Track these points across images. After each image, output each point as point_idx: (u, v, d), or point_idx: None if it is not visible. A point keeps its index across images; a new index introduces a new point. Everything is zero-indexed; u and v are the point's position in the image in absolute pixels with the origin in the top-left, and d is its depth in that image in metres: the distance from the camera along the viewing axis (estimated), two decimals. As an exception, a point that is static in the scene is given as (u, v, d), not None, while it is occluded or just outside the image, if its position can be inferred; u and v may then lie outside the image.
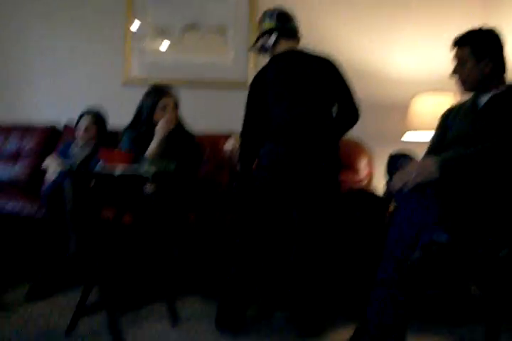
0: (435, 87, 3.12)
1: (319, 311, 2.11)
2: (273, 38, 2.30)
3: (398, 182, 1.72)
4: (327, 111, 2.24)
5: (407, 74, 3.41)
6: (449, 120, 2.12)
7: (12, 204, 2.75)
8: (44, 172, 2.97)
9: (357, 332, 1.78)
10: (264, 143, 2.23)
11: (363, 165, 3.12)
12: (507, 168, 1.73)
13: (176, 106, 2.70)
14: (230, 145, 2.61)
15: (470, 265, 1.80)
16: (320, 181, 2.15)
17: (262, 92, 2.24)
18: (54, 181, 2.69)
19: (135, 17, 3.64)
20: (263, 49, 2.37)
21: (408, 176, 1.69)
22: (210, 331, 2.08)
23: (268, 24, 2.32)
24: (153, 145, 2.57)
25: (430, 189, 1.68)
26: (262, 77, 2.27)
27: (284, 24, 2.31)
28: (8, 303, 2.31)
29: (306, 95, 2.20)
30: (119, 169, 1.95)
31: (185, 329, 2.08)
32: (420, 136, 3.06)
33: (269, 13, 2.34)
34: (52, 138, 3.48)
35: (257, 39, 2.38)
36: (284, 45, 2.31)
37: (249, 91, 2.28)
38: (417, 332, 2.14)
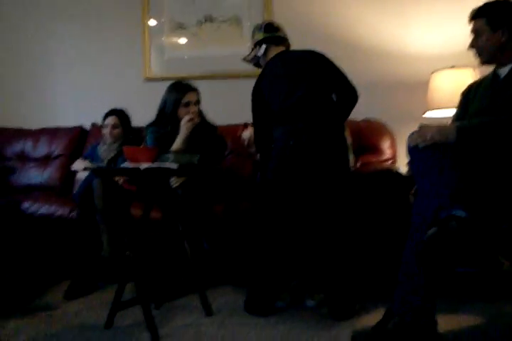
0: (454, 63, 3.06)
1: (349, 294, 2.13)
2: (263, 46, 2.46)
3: (416, 138, 1.75)
4: (327, 95, 2.31)
5: (425, 51, 3.35)
6: (470, 96, 2.10)
7: (45, 207, 2.84)
8: (74, 174, 3.07)
9: (387, 315, 1.79)
10: (275, 129, 2.31)
11: (386, 146, 3.10)
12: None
13: (198, 101, 2.74)
14: (248, 134, 2.64)
15: (496, 240, 1.79)
16: (333, 160, 2.22)
17: (262, 90, 2.36)
18: (84, 181, 2.77)
19: (151, 13, 3.68)
20: (255, 59, 2.52)
21: (426, 133, 1.72)
22: (244, 320, 2.12)
23: (258, 35, 2.48)
24: (178, 142, 2.63)
25: (447, 157, 1.70)
26: (260, 79, 2.39)
27: (272, 33, 2.46)
28: (48, 303, 2.41)
29: (304, 82, 2.28)
30: (144, 165, 1.99)
31: (218, 319, 2.13)
32: (441, 113, 3.01)
33: (258, 26, 2.52)
34: (80, 138, 3.57)
35: (251, 51, 2.53)
36: (274, 52, 2.45)
37: (252, 93, 2.39)
38: (448, 311, 2.14)
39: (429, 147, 1.72)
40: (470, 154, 1.83)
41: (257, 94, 2.38)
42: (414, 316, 1.75)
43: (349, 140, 2.66)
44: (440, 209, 1.66)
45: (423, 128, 1.75)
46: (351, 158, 2.57)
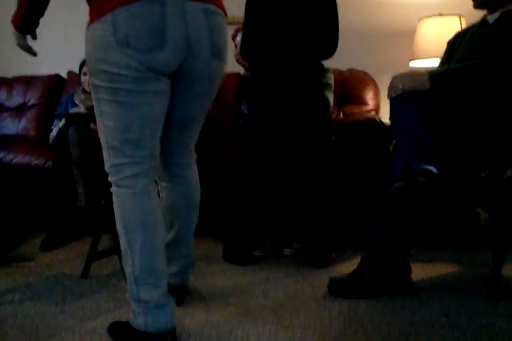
0: (441, 11, 2.95)
1: (326, 243, 2.14)
2: None
3: (389, 88, 1.70)
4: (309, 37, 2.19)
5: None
6: (455, 44, 2.03)
7: (20, 157, 2.78)
8: (50, 124, 2.98)
9: (363, 263, 1.81)
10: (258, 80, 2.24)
11: (369, 96, 3.05)
12: (506, 85, 1.66)
13: None
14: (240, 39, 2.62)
15: (473, 192, 1.78)
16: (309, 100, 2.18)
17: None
18: (59, 130, 2.69)
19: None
20: None
21: (397, 82, 1.67)
22: (222, 269, 2.14)
23: None
24: None
25: (419, 107, 1.65)
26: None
27: None
28: (23, 254, 2.39)
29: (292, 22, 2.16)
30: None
31: (196, 269, 2.13)
32: (426, 63, 2.94)
33: None
34: (56, 86, 3.45)
35: None
36: None
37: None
38: (423, 260, 2.17)
39: (400, 96, 1.66)
40: (444, 103, 1.79)
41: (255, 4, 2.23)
42: (390, 264, 1.77)
43: (331, 80, 2.63)
44: (412, 161, 1.63)
45: (395, 77, 1.68)
46: (331, 97, 2.61)
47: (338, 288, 1.79)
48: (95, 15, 1.31)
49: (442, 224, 2.34)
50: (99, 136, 1.41)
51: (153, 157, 1.43)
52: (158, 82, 1.36)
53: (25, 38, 1.59)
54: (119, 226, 1.40)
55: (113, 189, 1.41)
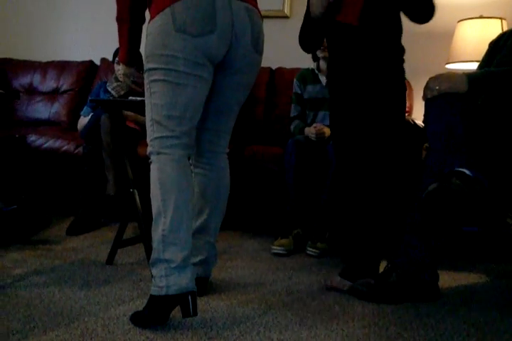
0: (482, 13, 2.89)
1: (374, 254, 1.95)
2: None
3: (424, 89, 1.67)
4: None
5: (451, -1, 3.17)
6: (498, 46, 1.97)
7: (51, 142, 2.81)
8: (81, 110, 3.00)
9: (390, 267, 1.78)
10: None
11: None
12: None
13: None
14: None
15: (505, 201, 1.74)
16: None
17: None
18: (92, 116, 2.71)
19: None
20: None
21: (434, 83, 1.63)
22: (244, 265, 2.13)
23: None
24: None
25: (456, 109, 1.60)
26: None
27: None
28: (50, 237, 2.43)
29: None
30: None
31: (219, 263, 2.12)
32: (464, 66, 2.88)
33: None
34: (89, 73, 3.47)
35: None
36: None
37: None
38: (451, 268, 2.13)
39: (437, 98, 1.63)
40: (482, 106, 1.74)
41: None
42: (417, 270, 1.74)
43: None
44: (446, 165, 1.60)
45: (432, 78, 1.64)
46: None
47: (362, 292, 1.77)
48: (156, 10, 1.52)
49: (470, 233, 2.30)
50: (146, 114, 1.57)
51: (190, 135, 1.58)
52: (205, 68, 1.55)
53: (131, 69, 1.89)
54: (155, 189, 1.52)
55: (153, 157, 1.55)
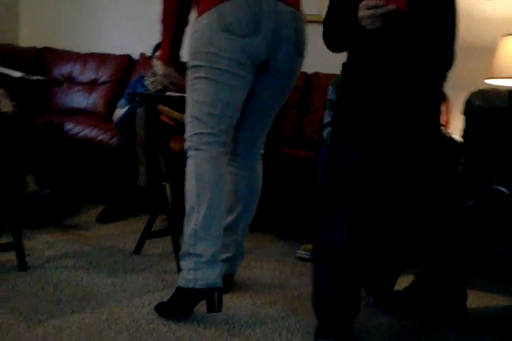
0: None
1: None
2: None
3: (465, 104, 1.60)
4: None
5: (494, 12, 3.12)
6: None
7: (87, 131, 2.85)
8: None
9: (415, 282, 1.76)
10: None
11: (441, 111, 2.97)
12: None
13: None
14: None
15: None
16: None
17: None
18: (128, 108, 2.75)
19: None
20: None
21: (474, 97, 1.59)
22: (269, 267, 2.13)
23: None
24: None
25: (494, 125, 1.56)
26: None
27: None
28: (80, 223, 2.46)
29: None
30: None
31: (245, 262, 2.10)
32: (505, 83, 2.83)
33: None
34: (128, 66, 3.52)
35: None
36: None
37: None
38: (481, 288, 2.08)
39: (476, 113, 1.59)
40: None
41: None
42: (446, 286, 1.71)
43: None
44: (482, 181, 1.57)
45: (473, 93, 1.61)
46: None
47: (387, 303, 1.75)
48: (203, 9, 1.54)
49: (502, 254, 2.25)
50: (186, 110, 1.60)
51: (228, 134, 1.60)
52: (247, 68, 1.57)
53: (171, 69, 1.86)
54: (191, 184, 1.53)
55: (190, 152, 1.57)
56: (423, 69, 1.50)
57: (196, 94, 1.57)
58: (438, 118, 1.59)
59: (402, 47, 1.45)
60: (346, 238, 1.37)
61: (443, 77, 1.58)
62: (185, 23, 1.73)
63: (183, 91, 1.75)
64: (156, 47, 3.01)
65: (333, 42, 1.50)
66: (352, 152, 1.44)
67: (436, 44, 1.53)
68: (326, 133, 2.68)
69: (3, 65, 2.04)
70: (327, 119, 2.71)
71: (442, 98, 1.60)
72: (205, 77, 1.54)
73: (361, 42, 1.45)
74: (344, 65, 1.55)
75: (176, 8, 1.68)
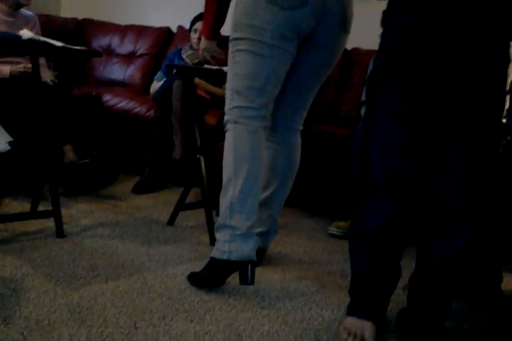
0: None
1: None
2: None
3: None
4: None
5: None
6: None
7: (124, 103, 2.87)
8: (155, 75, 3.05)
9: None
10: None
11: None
12: None
13: None
14: None
15: None
16: None
17: None
18: (165, 81, 2.75)
19: None
20: None
21: None
22: (301, 243, 2.13)
23: None
24: None
25: None
26: None
27: None
28: (116, 193, 2.50)
29: None
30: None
31: (277, 237, 2.11)
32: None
33: None
34: (166, 39, 3.52)
35: None
36: None
37: None
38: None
39: None
40: None
41: None
42: (481, 268, 1.68)
43: None
44: None
45: None
46: None
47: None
48: None
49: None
50: (227, 82, 1.58)
51: (268, 108, 1.58)
52: (291, 42, 1.54)
53: (213, 43, 1.81)
54: (229, 157, 1.53)
55: (229, 126, 1.56)
56: (481, 15, 1.19)
57: (237, 67, 1.55)
58: (502, 85, 1.28)
59: None
60: (387, 218, 1.33)
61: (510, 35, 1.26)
62: None
63: (224, 65, 1.73)
64: (194, 20, 2.98)
65: None
66: (387, 128, 1.28)
67: None
68: (364, 110, 2.62)
69: (44, 35, 2.06)
70: (365, 97, 2.65)
71: (508, 60, 1.27)
72: (246, 50, 1.51)
73: None
74: (384, 12, 1.31)
75: None
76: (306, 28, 1.52)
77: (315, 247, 2.08)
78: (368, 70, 2.64)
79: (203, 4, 1.71)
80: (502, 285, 1.73)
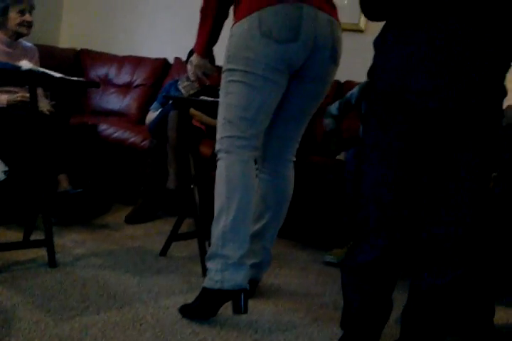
0: None
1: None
2: None
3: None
4: None
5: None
6: None
7: (120, 132, 2.90)
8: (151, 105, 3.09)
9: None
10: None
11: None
12: None
13: None
14: None
15: None
16: None
17: None
18: (161, 111, 2.78)
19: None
20: None
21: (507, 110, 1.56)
22: (294, 274, 2.12)
23: None
24: None
25: None
26: None
27: None
28: (109, 223, 2.50)
29: None
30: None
31: (270, 269, 2.09)
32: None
33: None
34: (163, 70, 3.57)
35: None
36: None
37: None
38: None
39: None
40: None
41: None
42: (474, 301, 1.68)
43: None
44: None
45: (508, 107, 1.57)
46: None
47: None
48: (243, 14, 1.55)
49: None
50: (219, 112, 1.61)
51: (259, 138, 1.61)
52: (282, 74, 1.58)
53: (205, 60, 1.82)
54: (221, 186, 1.55)
55: (221, 155, 1.59)
56: (477, 51, 1.17)
57: (230, 98, 1.58)
58: (497, 119, 1.26)
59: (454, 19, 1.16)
60: (378, 255, 1.34)
61: (506, 67, 1.25)
62: (225, 15, 1.71)
63: (217, 84, 1.74)
64: (191, 52, 3.04)
65: (372, 7, 1.26)
66: (380, 168, 1.30)
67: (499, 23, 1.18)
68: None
69: (43, 66, 2.10)
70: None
71: (503, 93, 1.26)
72: (240, 81, 1.55)
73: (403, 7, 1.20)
74: (375, 42, 1.32)
75: (217, 1, 1.66)
76: (297, 61, 1.57)
77: (308, 279, 2.07)
78: (349, 94, 2.74)
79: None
80: (494, 319, 1.73)
